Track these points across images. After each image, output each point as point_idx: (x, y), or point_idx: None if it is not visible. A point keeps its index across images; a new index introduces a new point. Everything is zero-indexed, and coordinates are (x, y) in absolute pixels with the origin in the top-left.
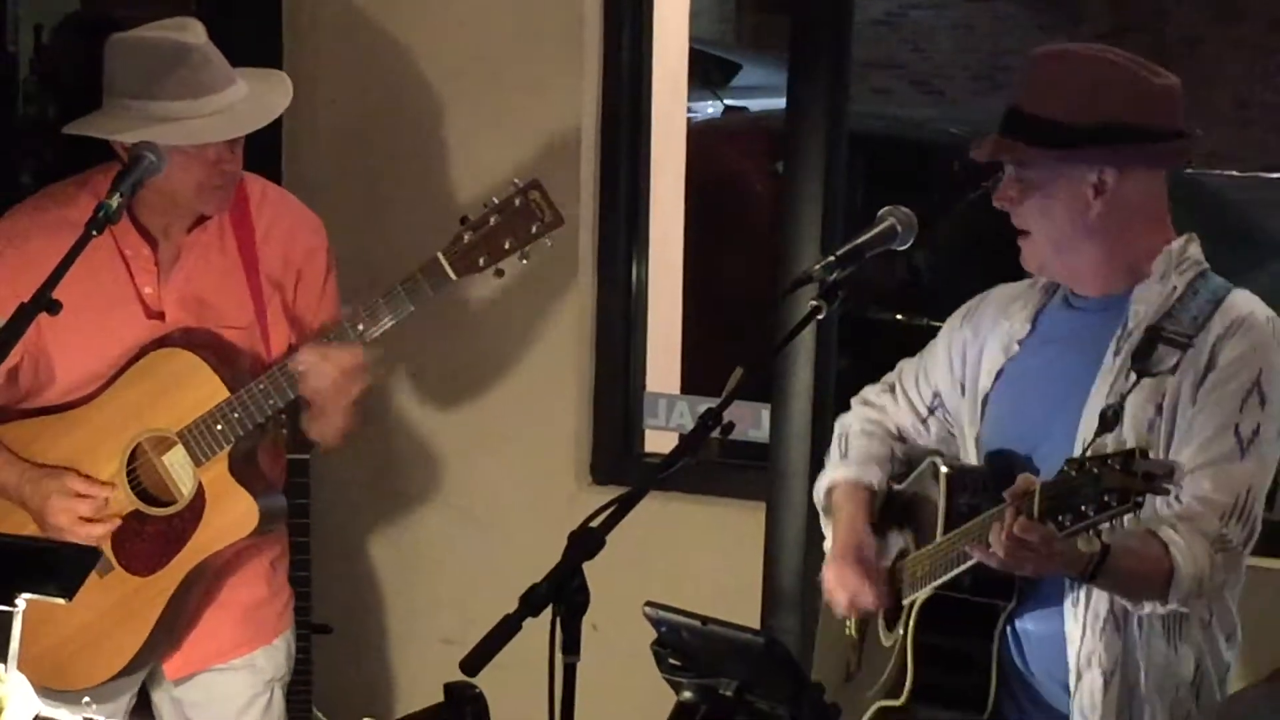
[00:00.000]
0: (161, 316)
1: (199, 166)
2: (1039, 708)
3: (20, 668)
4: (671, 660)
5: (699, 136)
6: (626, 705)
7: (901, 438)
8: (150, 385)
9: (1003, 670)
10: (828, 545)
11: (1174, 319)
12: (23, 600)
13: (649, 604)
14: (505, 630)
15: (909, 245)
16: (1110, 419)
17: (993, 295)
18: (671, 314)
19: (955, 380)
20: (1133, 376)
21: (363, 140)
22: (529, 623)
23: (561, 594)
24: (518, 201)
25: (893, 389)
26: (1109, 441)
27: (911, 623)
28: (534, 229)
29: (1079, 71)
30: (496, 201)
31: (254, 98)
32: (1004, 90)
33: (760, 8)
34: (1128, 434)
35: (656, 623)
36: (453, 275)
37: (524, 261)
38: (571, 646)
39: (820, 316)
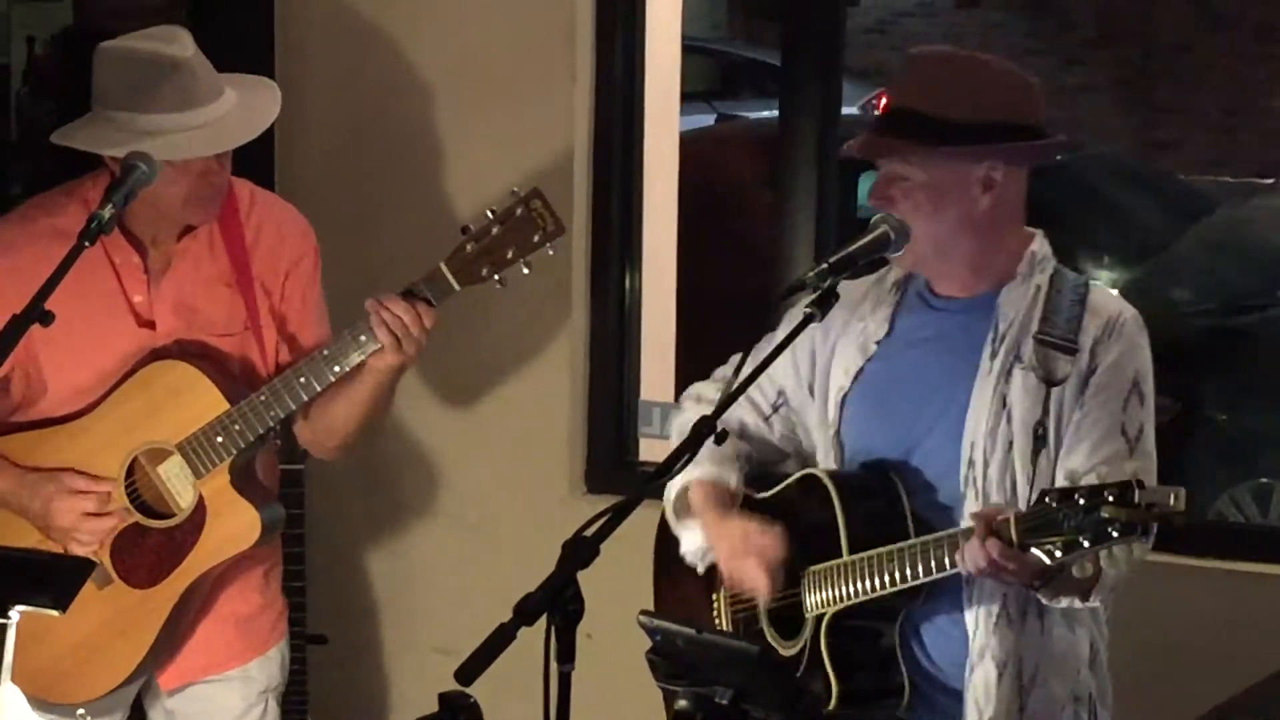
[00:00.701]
0: (152, 325)
1: (186, 179)
2: (946, 694)
3: (18, 680)
4: (666, 669)
5: (692, 145)
6: (622, 714)
7: (743, 435)
8: (148, 398)
9: (909, 663)
10: (693, 546)
11: (1050, 323)
12: (16, 612)
13: (643, 613)
14: (500, 640)
15: (901, 252)
16: (1042, 436)
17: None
18: (665, 322)
19: (802, 381)
20: (1015, 379)
21: (355, 148)
22: (524, 632)
23: (556, 603)
24: (519, 211)
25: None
26: (993, 462)
27: (823, 633)
28: (536, 238)
29: (964, 71)
30: (498, 211)
31: (243, 109)
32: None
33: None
34: (1017, 439)
35: (651, 631)
36: (456, 286)
37: (526, 271)
38: (566, 655)
39: (815, 323)
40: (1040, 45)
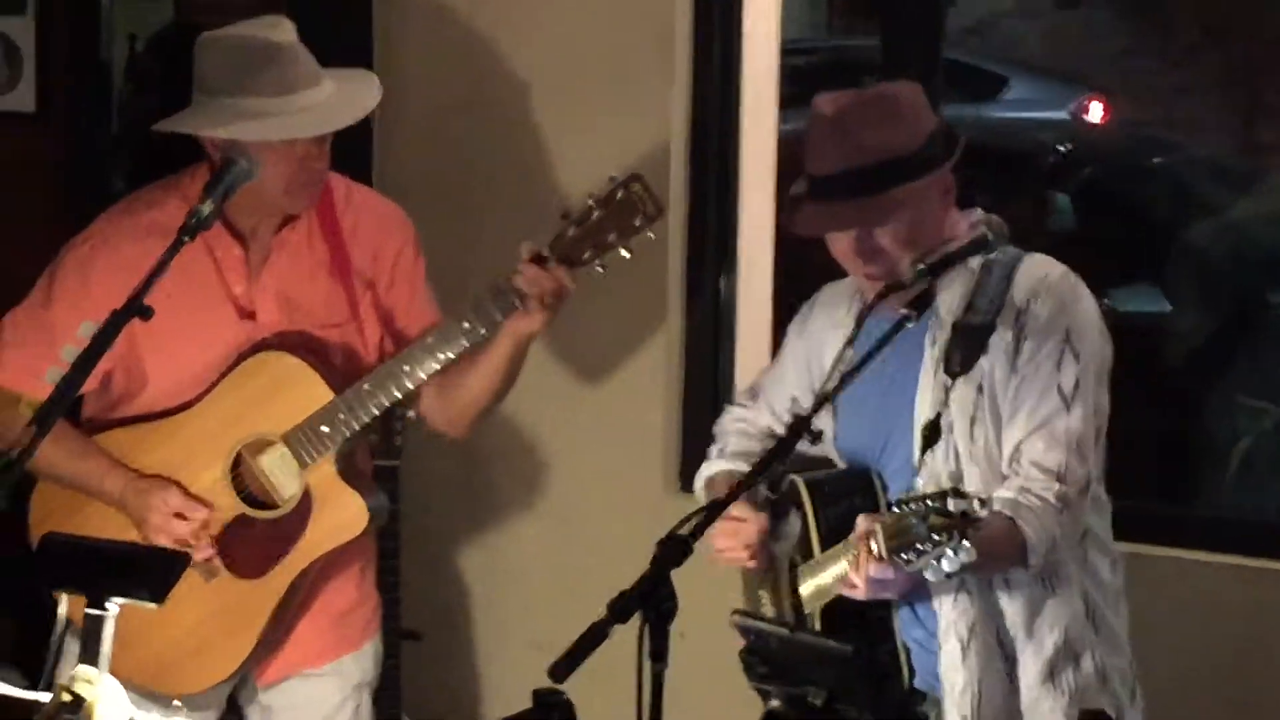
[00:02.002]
0: (253, 316)
1: (287, 164)
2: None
3: (125, 671)
4: (760, 669)
5: (790, 145)
6: (714, 713)
7: (773, 437)
8: (252, 390)
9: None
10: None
11: (974, 309)
12: (114, 604)
13: (737, 612)
14: (593, 637)
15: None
16: (933, 433)
17: (819, 299)
18: (761, 322)
19: (808, 387)
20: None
21: (453, 141)
22: (617, 629)
23: (650, 601)
24: (620, 195)
25: (755, 395)
26: (937, 451)
27: (819, 624)
28: (637, 221)
29: (890, 106)
30: (598, 195)
31: (342, 96)
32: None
33: (852, 16)
34: (958, 431)
35: (745, 631)
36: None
37: (626, 255)
38: (659, 654)
39: (910, 325)
40: (1142, 45)
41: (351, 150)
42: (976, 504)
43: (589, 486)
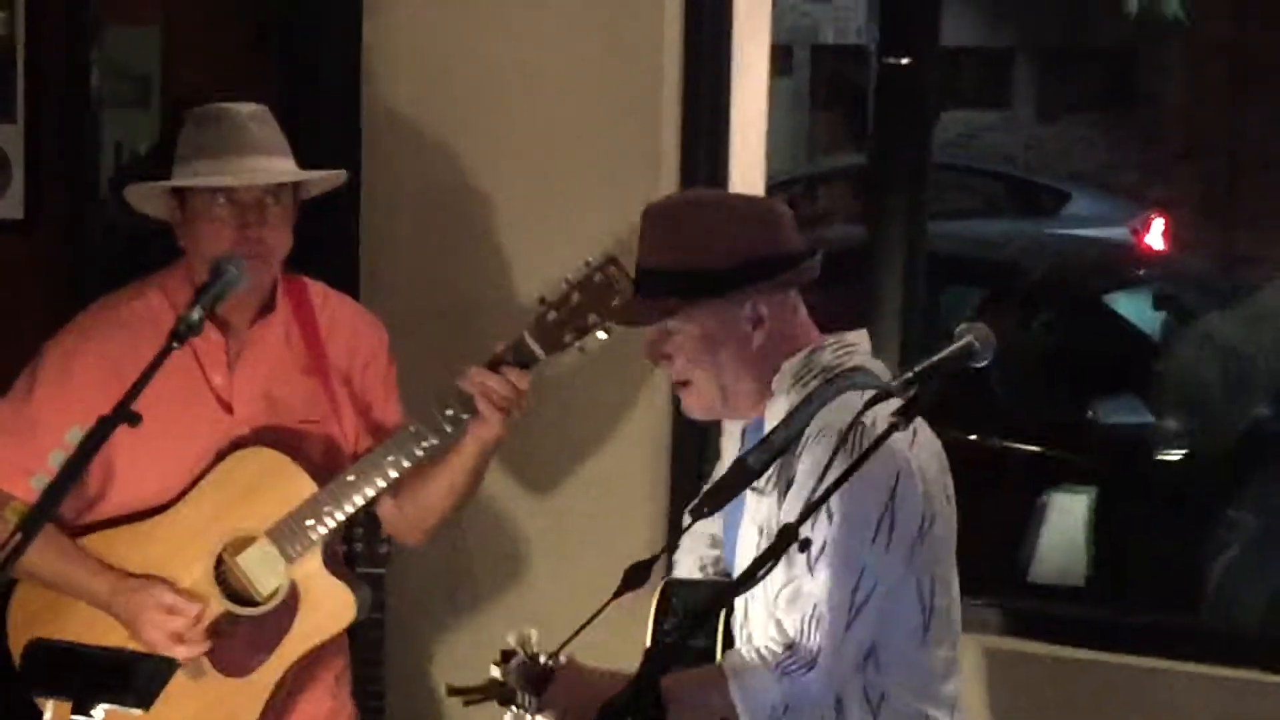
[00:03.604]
0: (231, 410)
1: (225, 227)
2: None
3: None
4: None
5: None
6: None
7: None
8: (234, 487)
9: None
10: None
11: (777, 432)
12: (100, 710)
13: None
14: None
15: (986, 363)
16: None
17: None
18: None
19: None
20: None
21: (440, 231)
22: None
23: (639, 707)
24: (597, 276)
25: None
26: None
27: None
28: (615, 301)
29: (705, 218)
30: (574, 279)
31: (292, 169)
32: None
33: (834, 130)
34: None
35: None
36: (541, 354)
37: (604, 336)
38: None
39: (897, 431)
40: (1124, 158)
41: (338, 246)
42: (543, 657)
43: (579, 589)
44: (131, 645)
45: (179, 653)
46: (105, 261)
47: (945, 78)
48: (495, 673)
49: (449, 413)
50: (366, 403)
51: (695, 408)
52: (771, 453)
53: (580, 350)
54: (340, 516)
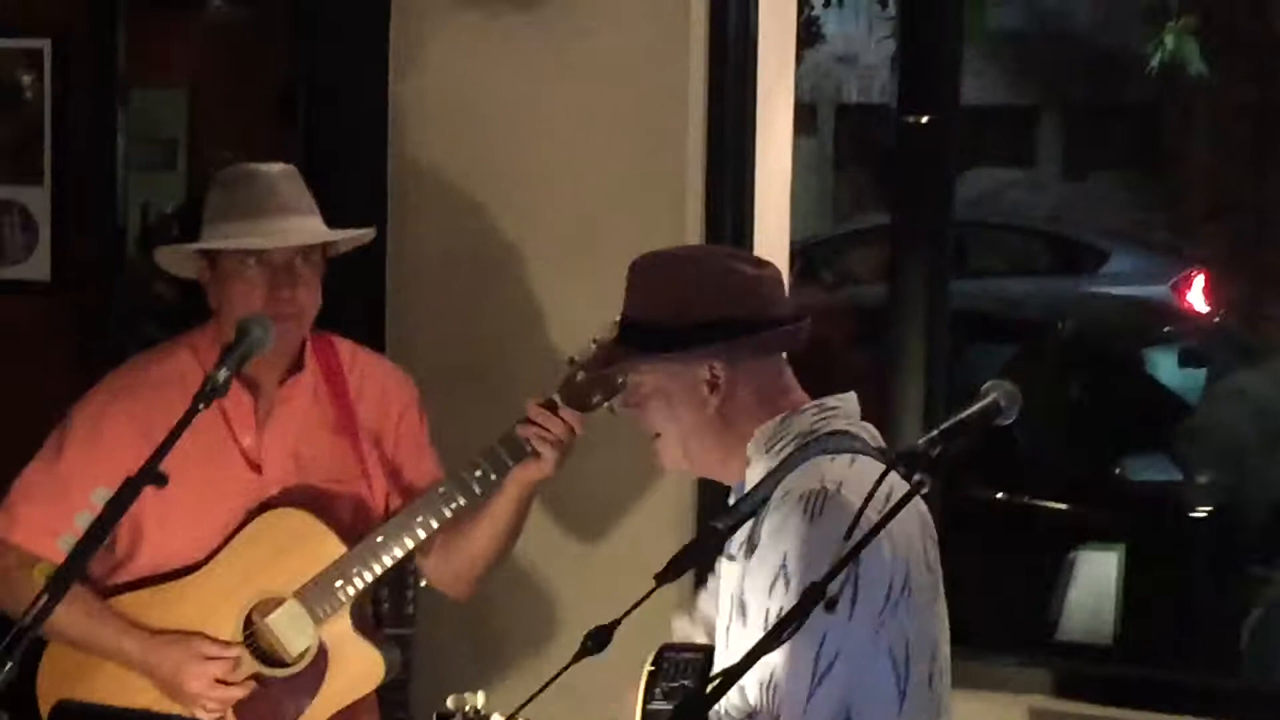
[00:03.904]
0: (259, 470)
1: (254, 288)
2: None
3: None
4: None
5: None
6: None
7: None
8: (263, 548)
9: None
10: None
11: (746, 498)
12: None
13: None
14: None
15: (1011, 421)
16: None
17: None
18: None
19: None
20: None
21: (464, 295)
22: None
23: None
24: None
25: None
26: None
27: None
28: None
29: (674, 274)
30: (602, 337)
31: (320, 229)
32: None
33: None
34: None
35: None
36: None
37: None
38: None
39: (923, 491)
40: (1151, 217)
41: (364, 309)
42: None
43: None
44: (159, 706)
45: (220, 696)
46: (131, 323)
47: (970, 136)
48: None
49: (479, 474)
50: (397, 463)
51: (663, 461)
52: (737, 518)
53: (610, 410)
54: (369, 577)
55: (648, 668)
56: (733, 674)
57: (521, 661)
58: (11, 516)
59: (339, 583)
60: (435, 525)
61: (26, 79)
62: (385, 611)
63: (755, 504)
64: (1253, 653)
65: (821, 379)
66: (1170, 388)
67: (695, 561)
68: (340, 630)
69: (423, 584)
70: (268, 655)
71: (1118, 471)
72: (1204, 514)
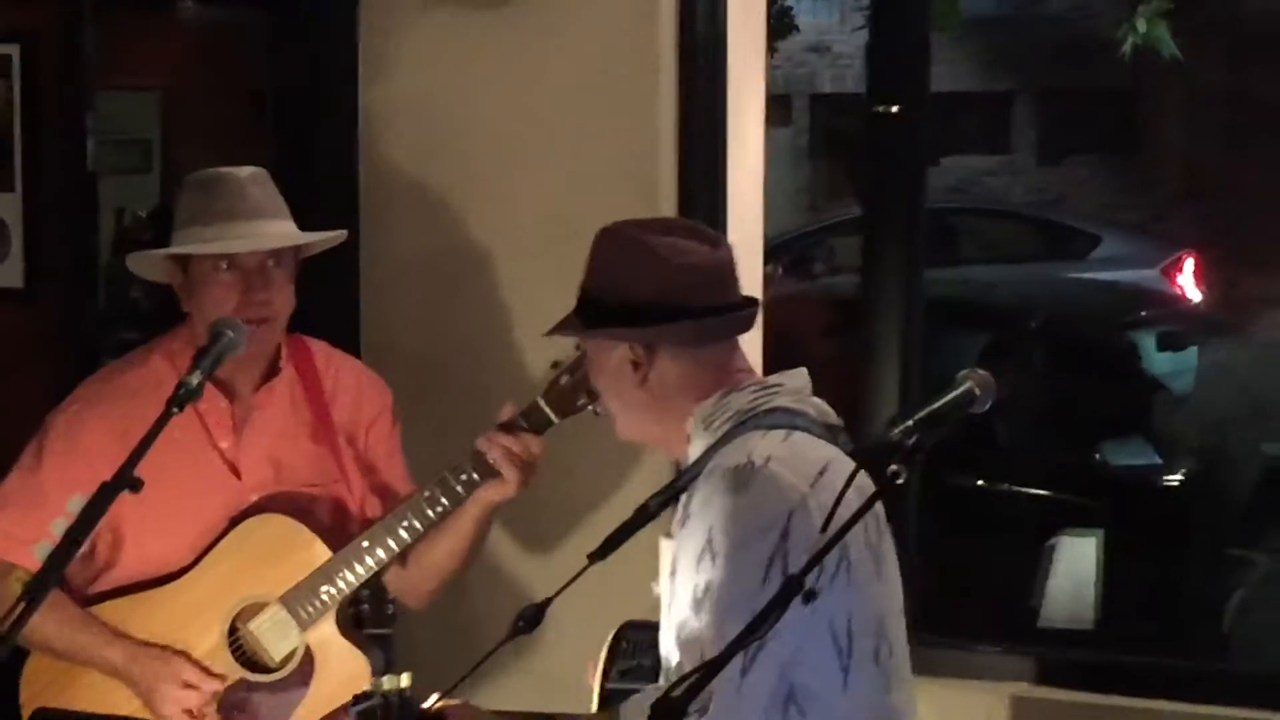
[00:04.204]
0: (238, 475)
1: (233, 296)
2: None
3: None
4: None
5: (772, 309)
6: None
7: None
8: (247, 554)
9: None
10: None
11: (682, 476)
12: None
13: None
14: None
15: (987, 408)
16: None
17: None
18: None
19: None
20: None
21: (443, 295)
22: None
23: None
24: None
25: None
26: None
27: None
28: None
29: (617, 252)
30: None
31: (292, 232)
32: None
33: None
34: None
35: None
36: (555, 418)
37: None
38: None
39: (900, 482)
40: (1127, 200)
41: (338, 314)
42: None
43: (582, 651)
44: (143, 715)
45: None
46: (108, 328)
47: (945, 123)
48: None
49: (463, 476)
50: (370, 463)
51: (617, 430)
52: (668, 495)
53: (595, 413)
54: (354, 580)
55: (606, 647)
56: (713, 668)
57: (501, 656)
58: None
59: (324, 586)
60: (420, 528)
61: None
62: (365, 612)
63: (688, 480)
64: (1236, 636)
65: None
66: (1151, 371)
67: (624, 538)
68: (325, 634)
69: None
70: (253, 661)
71: (1097, 457)
72: (1184, 497)
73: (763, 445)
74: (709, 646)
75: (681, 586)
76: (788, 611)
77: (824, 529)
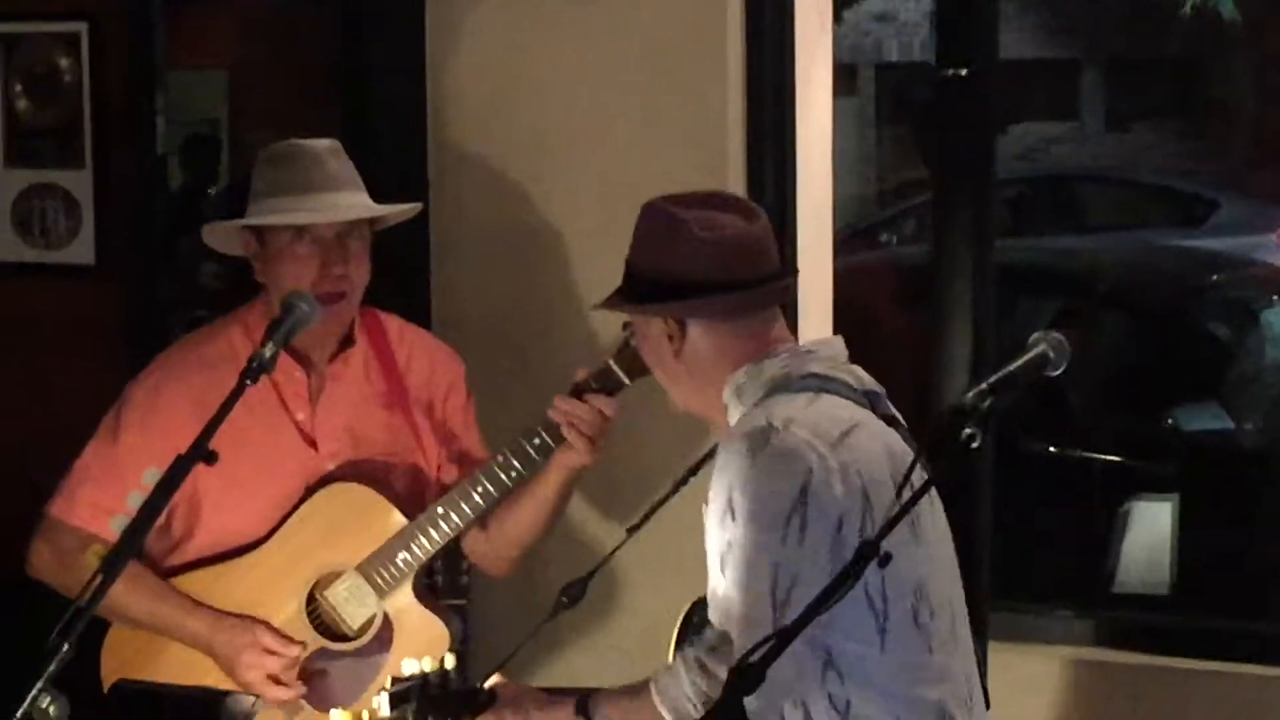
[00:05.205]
0: (315, 445)
1: (305, 265)
2: None
3: None
4: None
5: (843, 276)
6: None
7: None
8: (324, 522)
9: None
10: None
11: (718, 444)
12: None
13: None
14: None
15: (1060, 372)
16: None
17: None
18: None
19: None
20: None
21: (511, 267)
22: None
23: None
24: None
25: None
26: None
27: None
28: None
29: (650, 226)
30: None
31: (368, 204)
32: (1147, 221)
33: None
34: None
35: None
36: (626, 380)
37: None
38: None
39: (975, 445)
40: (1194, 167)
41: (409, 282)
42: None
43: (656, 622)
44: (224, 685)
45: (275, 695)
46: (177, 305)
47: (1012, 91)
48: (386, 711)
49: (537, 441)
50: (448, 433)
51: (671, 402)
52: (699, 464)
53: None
54: (430, 548)
55: (679, 622)
56: (785, 638)
57: (574, 630)
58: (70, 498)
59: (401, 554)
60: (495, 494)
61: (64, 63)
62: (440, 583)
63: (714, 449)
64: None
65: (867, 338)
66: (1218, 336)
67: (657, 509)
68: (404, 602)
69: None
70: (331, 629)
71: (1169, 422)
72: (1259, 462)
73: (785, 408)
74: (734, 605)
75: (710, 550)
76: (807, 565)
77: (863, 494)
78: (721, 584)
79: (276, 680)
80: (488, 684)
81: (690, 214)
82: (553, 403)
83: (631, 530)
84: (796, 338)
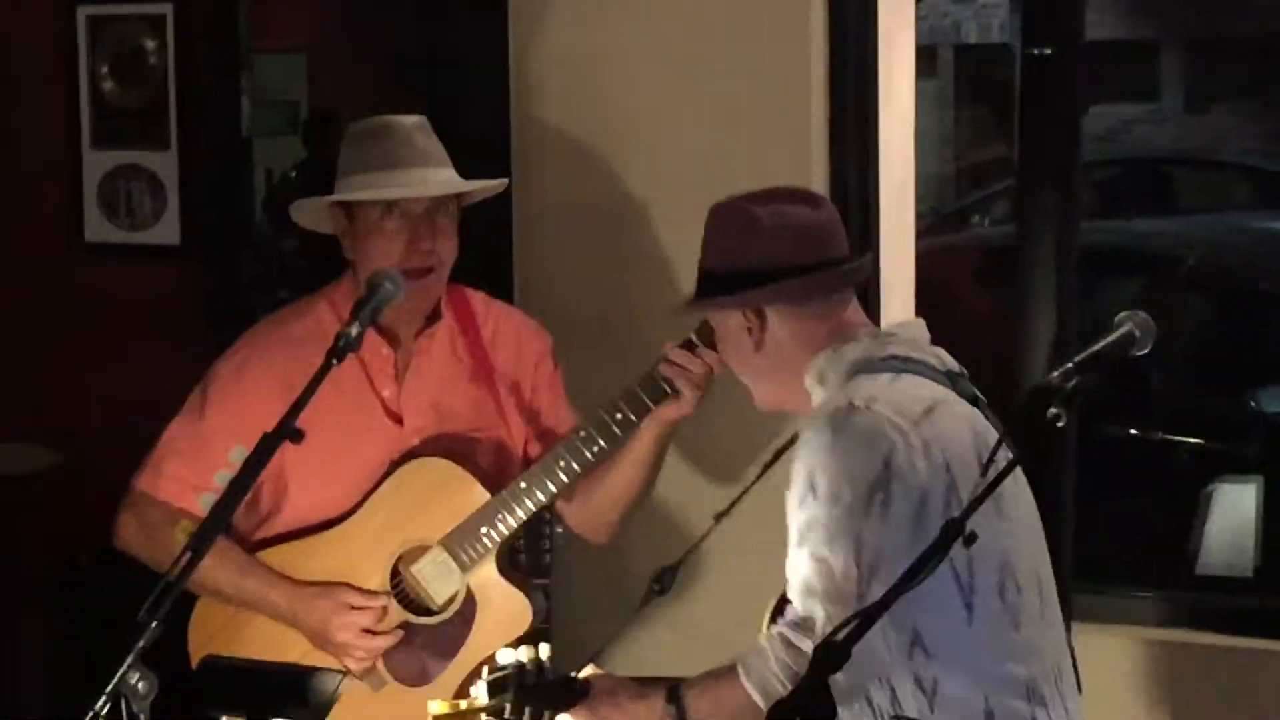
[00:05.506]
0: (400, 421)
1: (393, 241)
2: None
3: None
4: None
5: (926, 257)
6: None
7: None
8: (408, 497)
9: None
10: None
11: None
12: None
13: None
14: None
15: (1145, 352)
16: None
17: None
18: None
19: None
20: None
21: (594, 243)
22: None
23: (809, 710)
24: None
25: None
26: None
27: None
28: None
29: (723, 223)
30: None
31: (454, 180)
32: (1230, 203)
33: (980, 129)
34: None
35: None
36: None
37: None
38: None
39: (1060, 424)
40: (1273, 148)
41: (491, 258)
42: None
43: (745, 596)
44: (310, 660)
45: (372, 646)
46: (259, 285)
47: (1092, 71)
48: (483, 700)
49: (619, 416)
50: (535, 409)
51: (756, 403)
52: (782, 450)
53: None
54: (514, 523)
55: (769, 610)
56: (870, 616)
57: (659, 609)
58: (157, 473)
59: (484, 529)
60: (578, 469)
61: (150, 45)
62: (523, 561)
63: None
64: None
65: (947, 318)
66: None
67: (745, 493)
68: (487, 576)
69: (559, 531)
70: (415, 604)
71: (1252, 404)
72: None
73: (867, 388)
74: (818, 582)
75: (791, 531)
76: (891, 541)
77: (946, 470)
78: (802, 564)
79: (371, 633)
80: (582, 674)
81: (758, 208)
82: (664, 355)
83: (719, 516)
84: (879, 319)
